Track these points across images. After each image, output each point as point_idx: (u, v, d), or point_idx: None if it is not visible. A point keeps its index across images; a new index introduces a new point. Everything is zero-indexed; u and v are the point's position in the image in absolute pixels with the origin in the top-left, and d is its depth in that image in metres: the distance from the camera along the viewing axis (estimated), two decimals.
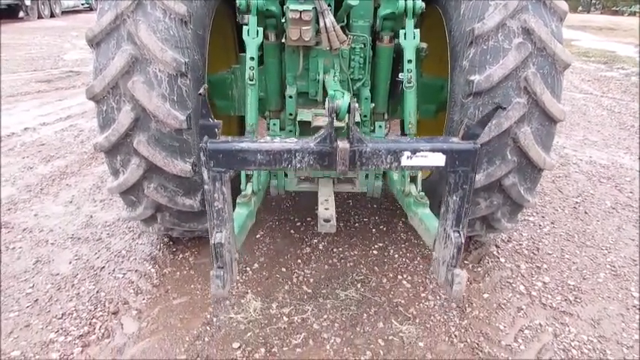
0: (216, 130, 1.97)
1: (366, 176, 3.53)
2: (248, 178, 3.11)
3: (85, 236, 4.02)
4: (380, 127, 3.43)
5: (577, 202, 4.81)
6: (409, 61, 3.11)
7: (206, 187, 2.01)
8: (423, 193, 3.07)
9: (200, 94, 1.92)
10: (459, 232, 2.14)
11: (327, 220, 2.82)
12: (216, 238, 2.07)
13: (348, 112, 1.99)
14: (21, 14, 22.75)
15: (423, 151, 1.97)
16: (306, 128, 3.28)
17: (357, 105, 2.08)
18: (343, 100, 2.17)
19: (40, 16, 23.66)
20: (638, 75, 11.88)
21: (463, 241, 2.15)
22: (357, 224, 4.27)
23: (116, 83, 2.81)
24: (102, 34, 2.81)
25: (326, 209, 2.97)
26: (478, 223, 3.44)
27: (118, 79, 2.79)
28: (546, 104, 2.82)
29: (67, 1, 27.58)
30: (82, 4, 29.32)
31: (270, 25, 3.20)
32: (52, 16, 24.93)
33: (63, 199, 4.71)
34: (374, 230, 4.18)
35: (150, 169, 3.00)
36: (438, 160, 1.97)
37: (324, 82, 3.25)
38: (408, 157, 1.96)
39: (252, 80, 3.05)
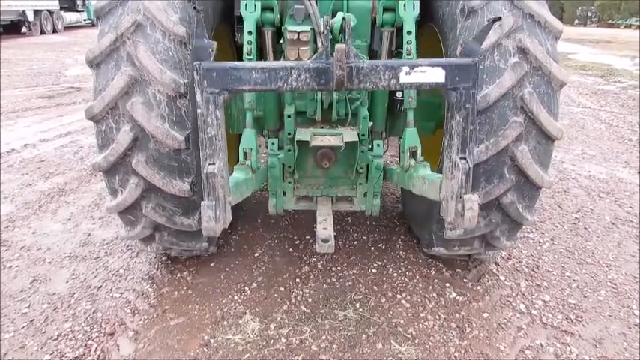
0: (210, 50, 1.96)
1: (365, 194, 3.53)
2: (246, 155, 3.10)
3: (82, 254, 4.01)
4: (378, 145, 3.44)
5: (576, 218, 4.81)
6: (409, 33, 3.12)
7: (199, 110, 1.97)
8: (422, 158, 3.12)
9: (194, 8, 1.93)
10: (465, 158, 2.07)
11: (325, 240, 2.81)
12: (209, 169, 1.99)
13: (342, 32, 1.94)
14: (24, 30, 23.00)
15: (421, 65, 1.95)
16: (304, 148, 3.29)
17: (351, 21, 2.06)
18: (337, 16, 2.12)
19: (42, 32, 23.93)
20: (636, 88, 11.93)
21: (471, 166, 2.07)
22: (355, 242, 4.26)
23: (115, 104, 2.82)
24: (102, 56, 2.83)
25: (324, 229, 2.96)
26: (477, 241, 3.43)
27: (117, 100, 2.81)
28: (543, 123, 2.84)
29: (70, 16, 27.87)
30: (84, 20, 29.65)
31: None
32: (55, 31, 25.20)
33: (61, 216, 4.70)
34: (373, 248, 4.16)
35: (148, 189, 3.01)
36: (438, 75, 1.95)
37: (322, 101, 3.27)
38: (406, 73, 1.94)
39: (249, 55, 3.09)
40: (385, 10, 3.29)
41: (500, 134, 2.82)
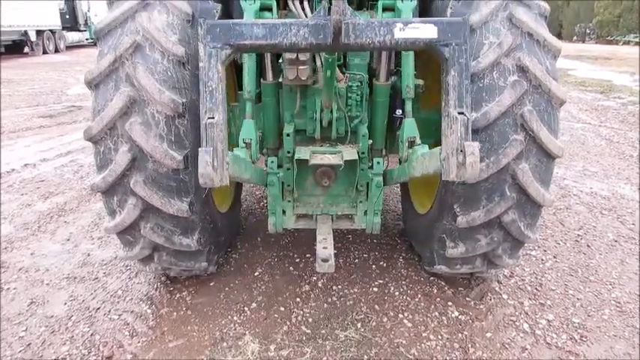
0: (215, 11, 2.16)
1: (365, 212, 3.51)
2: (246, 146, 3.11)
3: (81, 275, 3.97)
4: (378, 163, 3.43)
5: (579, 235, 4.76)
6: None
7: (201, 64, 2.06)
8: (420, 141, 3.10)
9: None
10: (463, 112, 2.09)
11: (325, 260, 2.78)
12: (208, 121, 2.06)
13: None
14: (26, 49, 23.23)
15: (414, 23, 2.05)
16: (304, 166, 3.28)
17: None
18: None
19: (45, 51, 24.17)
20: (636, 104, 11.97)
21: (470, 118, 2.09)
22: (356, 260, 4.22)
23: (114, 124, 2.82)
24: (101, 76, 2.84)
25: (324, 248, 2.93)
26: (479, 259, 3.40)
27: (115, 121, 2.80)
28: (544, 141, 2.82)
29: (72, 36, 28.18)
30: (87, 39, 29.96)
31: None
32: (57, 51, 25.46)
33: (60, 236, 4.67)
34: (374, 266, 4.12)
35: (147, 209, 2.99)
36: (430, 31, 2.04)
37: (321, 120, 3.27)
38: (400, 29, 2.02)
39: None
40: (385, 9, 3.29)
41: (501, 152, 2.81)
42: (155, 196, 2.91)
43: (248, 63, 3.09)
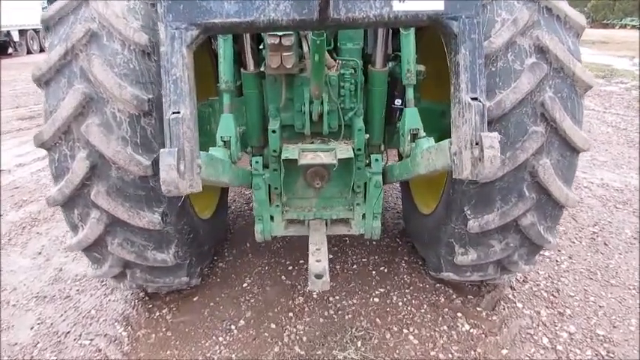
0: None
1: (363, 216, 3.14)
2: (225, 144, 2.73)
3: (51, 294, 3.59)
4: (377, 160, 3.04)
5: (594, 232, 4.40)
6: None
7: (162, 48, 1.73)
8: (424, 133, 2.73)
9: None
10: (477, 97, 1.77)
11: (319, 276, 2.41)
12: (172, 117, 1.74)
13: None
14: (10, 50, 22.63)
15: None
16: (292, 166, 2.90)
17: None
18: None
19: (29, 51, 23.54)
20: (638, 89, 11.61)
21: (485, 104, 1.76)
22: (355, 266, 3.85)
23: (68, 127, 2.43)
24: (51, 72, 2.45)
25: (317, 261, 2.56)
26: (492, 266, 3.04)
27: (70, 123, 2.42)
28: (567, 132, 2.45)
29: None
30: None
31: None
32: (42, 50, 24.77)
33: (32, 250, 4.28)
34: (374, 272, 3.76)
35: (112, 223, 2.61)
36: (436, 3, 1.71)
37: (310, 113, 2.89)
38: (400, 1, 1.68)
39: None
40: None
41: (519, 147, 2.44)
42: (121, 207, 2.52)
43: (223, 48, 2.69)
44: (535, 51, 2.43)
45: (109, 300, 3.47)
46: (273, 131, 2.84)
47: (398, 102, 3.18)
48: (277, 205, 3.07)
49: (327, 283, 2.39)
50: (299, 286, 3.58)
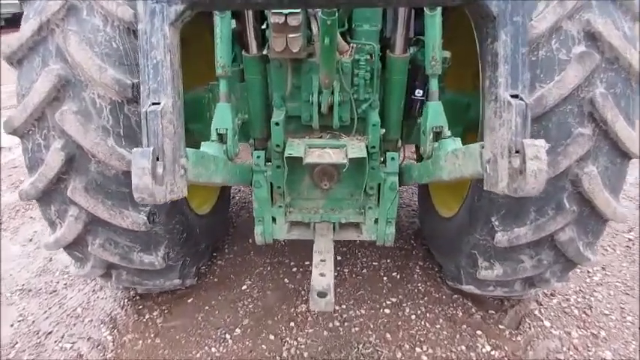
0: None
1: (375, 221, 2.81)
2: (221, 137, 2.38)
3: (37, 287, 3.35)
4: (392, 159, 2.70)
5: (630, 240, 4.01)
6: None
7: (140, 26, 1.46)
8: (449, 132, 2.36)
9: None
10: (519, 95, 1.46)
11: (322, 294, 2.10)
12: (150, 109, 1.47)
13: None
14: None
15: None
16: (297, 164, 2.57)
17: None
18: None
19: None
20: None
21: (528, 103, 1.44)
22: (364, 270, 3.54)
23: (42, 113, 2.13)
24: (23, 50, 2.14)
25: (321, 275, 2.24)
26: (519, 283, 2.70)
27: (44, 108, 2.12)
28: (619, 135, 2.08)
29: None
30: None
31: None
32: None
33: (23, 236, 4.06)
34: (385, 279, 3.44)
35: (93, 222, 2.33)
36: None
37: (319, 104, 2.55)
38: None
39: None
40: None
41: (560, 151, 2.08)
42: (101, 206, 2.24)
43: (220, 27, 2.34)
44: (584, 38, 2.05)
45: (97, 297, 3.22)
46: (277, 124, 2.50)
47: (418, 93, 2.81)
48: (280, 206, 2.76)
49: (332, 304, 2.08)
50: (302, 292, 3.29)
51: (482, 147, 1.70)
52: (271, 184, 2.70)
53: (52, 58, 2.09)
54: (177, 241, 2.70)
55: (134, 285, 2.78)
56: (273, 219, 2.81)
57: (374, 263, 3.63)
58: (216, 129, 2.32)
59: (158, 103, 1.53)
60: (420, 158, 4.14)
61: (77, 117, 2.08)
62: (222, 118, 2.34)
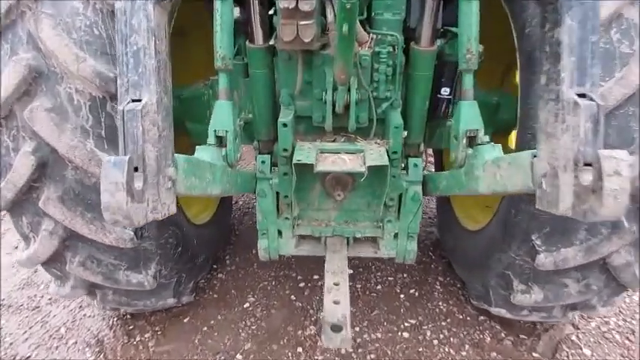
0: None
1: (395, 236, 2.48)
2: (220, 140, 2.02)
3: (19, 302, 3.05)
4: (415, 165, 2.37)
5: None
6: None
7: (118, 4, 1.26)
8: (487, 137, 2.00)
9: None
10: (586, 94, 1.21)
11: (336, 329, 1.77)
12: (127, 108, 1.23)
13: None
14: None
15: None
16: (307, 171, 2.25)
17: None
18: None
19: None
20: None
21: (600, 103, 1.20)
22: (379, 286, 3.21)
23: (10, 111, 1.83)
24: None
25: (335, 304, 1.91)
26: (558, 309, 2.37)
27: (12, 105, 1.81)
28: None
29: None
30: None
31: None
32: None
33: (9, 242, 3.76)
34: (402, 296, 3.11)
35: (71, 237, 2.02)
36: None
37: (333, 103, 2.22)
38: None
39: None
40: None
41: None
42: (80, 219, 1.93)
43: (220, 12, 2.01)
44: None
45: (84, 315, 2.91)
46: (284, 125, 2.18)
47: (445, 91, 2.49)
48: (287, 218, 2.44)
49: (349, 340, 1.75)
50: (312, 310, 2.97)
51: (535, 157, 1.39)
52: (277, 193, 2.38)
53: (22, 46, 1.79)
54: (170, 257, 2.39)
55: (122, 306, 2.47)
56: (279, 232, 2.48)
57: (389, 278, 3.30)
58: (215, 131, 1.99)
59: (139, 100, 1.23)
60: (438, 164, 3.82)
61: (51, 115, 1.78)
62: (222, 118, 2.02)
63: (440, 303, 3.05)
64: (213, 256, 3.28)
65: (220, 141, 2.01)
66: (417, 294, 3.14)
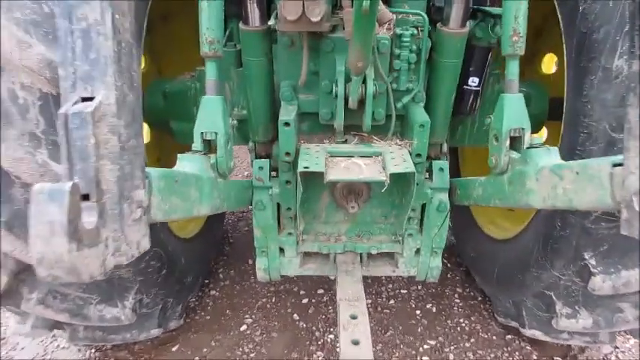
0: None
1: (417, 251, 2.12)
2: (209, 145, 1.62)
3: None
4: (441, 169, 2.01)
5: None
6: None
7: None
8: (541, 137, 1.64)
9: None
10: None
11: None
12: (73, 110, 0.88)
13: None
14: None
15: None
16: (314, 180, 1.88)
17: None
18: None
19: None
20: None
21: None
22: (392, 301, 2.87)
23: None
24: None
25: (355, 344, 1.55)
26: (603, 335, 2.04)
27: None
28: None
29: None
30: None
31: None
32: None
33: None
34: (418, 313, 2.77)
35: (25, 270, 1.63)
36: None
37: (346, 97, 1.84)
38: None
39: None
40: None
41: None
42: None
43: None
44: None
45: (57, 346, 2.53)
46: (287, 124, 1.79)
47: (473, 82, 2.12)
48: (290, 233, 2.07)
49: None
50: (317, 332, 2.62)
51: (618, 165, 1.05)
52: (278, 204, 2.01)
53: None
54: (153, 282, 2.02)
55: (96, 342, 2.10)
56: (281, 250, 2.12)
57: (402, 291, 2.96)
58: (202, 133, 1.61)
59: (90, 99, 0.86)
60: (452, 165, 3.41)
61: None
62: (210, 117, 1.63)
63: (461, 320, 2.72)
64: (205, 271, 2.91)
65: (209, 146, 1.63)
66: (434, 309, 2.80)
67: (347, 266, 2.07)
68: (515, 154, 1.64)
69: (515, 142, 1.66)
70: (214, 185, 1.53)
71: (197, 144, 1.61)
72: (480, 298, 2.87)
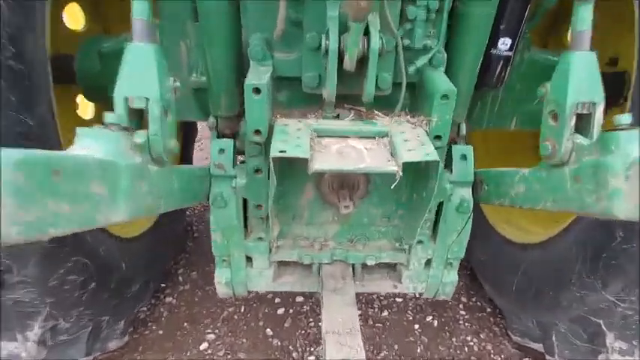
0: None
1: (427, 262, 1.64)
2: (136, 116, 1.11)
3: None
4: (464, 157, 1.51)
5: None
6: None
7: None
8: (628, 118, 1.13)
9: None
10: None
11: None
12: None
13: None
14: None
15: None
16: (293, 168, 1.36)
17: None
18: None
19: None
20: None
21: None
22: (385, 312, 2.40)
23: None
24: None
25: None
26: None
27: None
28: None
29: None
30: None
31: None
32: None
33: None
34: (417, 328, 2.32)
35: None
36: None
37: (340, 53, 1.31)
38: None
39: None
40: None
41: None
42: None
43: None
44: None
45: None
46: (256, 89, 1.26)
47: (504, 44, 1.61)
48: (260, 238, 1.56)
49: None
50: (295, 354, 2.13)
51: None
52: (245, 200, 1.49)
53: None
54: (74, 301, 1.50)
55: None
56: (249, 259, 1.61)
57: (397, 299, 2.49)
58: (125, 99, 1.07)
59: None
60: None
61: None
62: (138, 74, 1.09)
63: (468, 337, 2.27)
64: (159, 275, 2.40)
65: (136, 118, 1.10)
66: (435, 323, 2.35)
67: (335, 282, 1.58)
68: (582, 140, 1.14)
69: (583, 122, 1.16)
70: (140, 176, 1.01)
71: (117, 114, 1.07)
72: (489, 310, 2.43)
